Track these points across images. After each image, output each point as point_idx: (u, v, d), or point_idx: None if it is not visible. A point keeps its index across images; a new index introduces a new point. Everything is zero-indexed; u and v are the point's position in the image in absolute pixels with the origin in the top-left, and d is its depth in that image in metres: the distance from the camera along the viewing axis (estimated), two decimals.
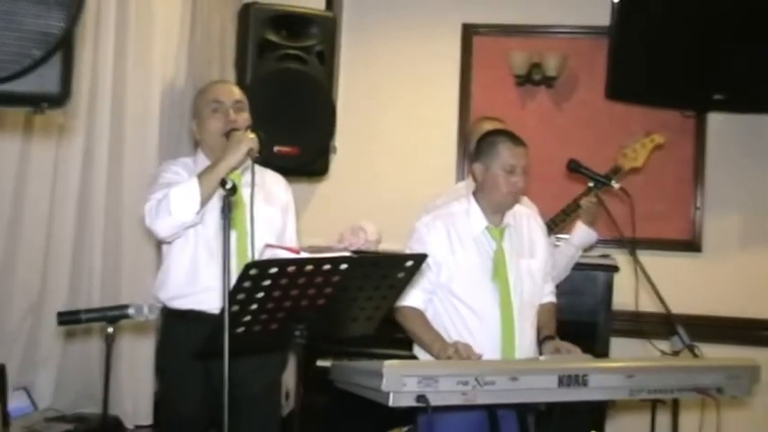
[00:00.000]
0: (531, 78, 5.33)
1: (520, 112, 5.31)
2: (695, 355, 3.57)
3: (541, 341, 3.50)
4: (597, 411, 4.59)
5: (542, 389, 2.89)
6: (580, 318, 4.68)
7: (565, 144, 5.08)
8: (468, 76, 5.49)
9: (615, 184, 4.09)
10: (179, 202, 3.11)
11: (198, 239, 3.37)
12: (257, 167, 3.45)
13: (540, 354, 3.43)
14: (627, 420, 4.84)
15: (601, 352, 4.60)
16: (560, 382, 2.89)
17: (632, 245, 4.03)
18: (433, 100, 5.54)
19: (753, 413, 4.79)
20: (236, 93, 3.51)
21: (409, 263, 2.81)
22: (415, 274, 2.87)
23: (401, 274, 2.82)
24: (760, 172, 5.22)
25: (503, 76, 5.41)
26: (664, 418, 3.51)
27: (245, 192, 3.32)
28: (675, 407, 3.44)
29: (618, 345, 4.85)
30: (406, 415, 3.41)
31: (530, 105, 5.39)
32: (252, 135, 3.27)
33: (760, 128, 5.20)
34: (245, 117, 3.45)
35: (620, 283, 4.78)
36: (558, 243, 4.38)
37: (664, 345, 3.90)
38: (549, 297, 3.69)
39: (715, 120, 5.24)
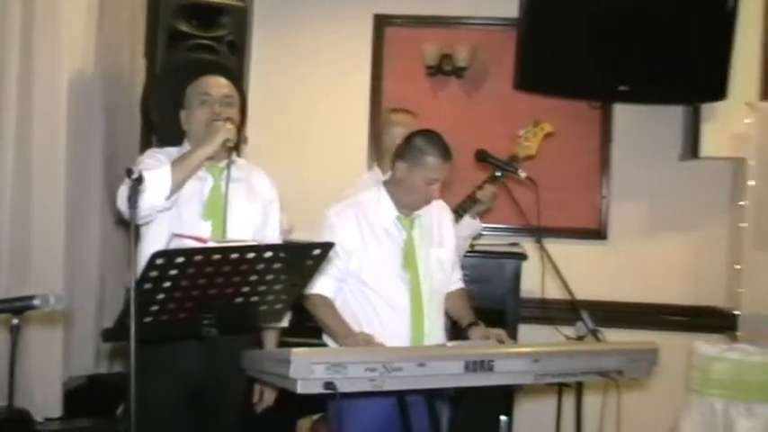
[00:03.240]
0: (443, 69, 5.39)
1: (431, 103, 5.37)
2: (598, 340, 3.66)
3: (466, 327, 3.55)
4: (505, 396, 4.69)
5: (449, 374, 2.94)
6: (489, 305, 4.75)
7: (475, 133, 5.14)
8: (379, 66, 5.54)
9: (522, 173, 4.16)
10: (150, 185, 3.08)
11: (170, 231, 3.35)
12: (246, 164, 3.54)
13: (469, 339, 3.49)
14: (534, 404, 4.94)
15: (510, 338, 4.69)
16: (467, 368, 2.94)
17: (538, 233, 4.11)
18: (346, 90, 5.57)
19: (651, 394, 4.95)
20: (226, 88, 3.52)
21: (317, 251, 2.83)
22: (323, 262, 2.90)
23: (309, 263, 2.84)
24: (663, 161, 5.37)
25: (414, 66, 5.47)
26: (569, 401, 3.60)
27: (225, 185, 3.35)
28: (579, 390, 3.54)
29: (526, 331, 4.95)
30: (321, 402, 3.44)
31: (441, 95, 5.46)
32: (230, 126, 3.30)
33: (664, 118, 5.34)
34: (232, 112, 3.46)
35: (528, 270, 4.89)
36: None
37: (569, 330, 3.99)
38: (459, 284, 3.75)
39: (621, 110, 5.36)
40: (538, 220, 4.15)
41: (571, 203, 5.34)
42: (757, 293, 4.76)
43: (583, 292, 5.02)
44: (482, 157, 4.25)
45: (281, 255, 2.77)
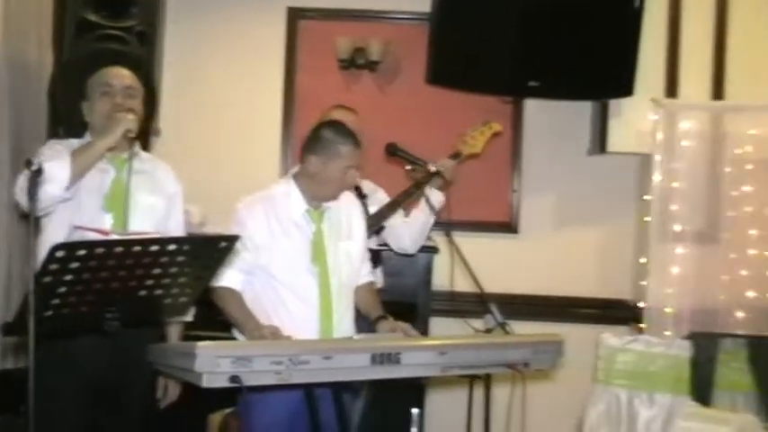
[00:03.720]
0: (356, 63, 5.39)
1: (344, 96, 5.33)
2: (506, 333, 3.71)
3: (375, 321, 3.57)
4: (416, 389, 4.71)
5: (356, 367, 2.95)
6: (401, 298, 4.79)
7: (388, 127, 5.14)
8: (293, 59, 5.51)
9: (431, 167, 4.20)
10: (50, 176, 3.01)
11: (71, 223, 3.28)
12: (150, 157, 3.56)
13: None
14: (445, 396, 4.98)
15: (421, 331, 4.72)
16: (373, 360, 2.96)
17: (447, 226, 4.14)
18: (259, 83, 5.54)
19: (561, 385, 5.03)
20: (128, 79, 3.48)
21: (222, 244, 2.81)
22: (228, 255, 2.88)
23: (214, 256, 2.82)
24: (573, 156, 5.45)
25: (327, 60, 5.46)
26: (480, 393, 3.65)
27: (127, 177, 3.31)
28: (488, 381, 3.59)
29: (437, 324, 5.00)
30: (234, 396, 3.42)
31: (354, 89, 5.46)
32: (131, 117, 3.29)
33: (573, 114, 5.42)
34: (134, 103, 3.43)
35: (439, 264, 4.93)
36: (406, 220, 4.48)
37: (480, 323, 4.04)
38: (368, 277, 3.76)
39: (531, 105, 5.43)
40: (449, 214, 4.20)
41: (482, 197, 5.39)
42: (661, 286, 4.83)
43: (494, 285, 5.08)
44: (392, 150, 4.28)
45: (186, 248, 2.75)
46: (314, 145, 3.48)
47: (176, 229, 3.55)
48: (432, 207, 4.24)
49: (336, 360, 2.89)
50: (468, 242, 5.10)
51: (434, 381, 4.69)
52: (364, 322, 3.62)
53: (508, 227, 5.46)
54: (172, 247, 2.69)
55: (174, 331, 3.57)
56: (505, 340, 3.45)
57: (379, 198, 4.39)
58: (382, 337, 3.33)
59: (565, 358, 4.55)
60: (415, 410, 4.70)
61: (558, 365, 3.69)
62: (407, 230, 4.39)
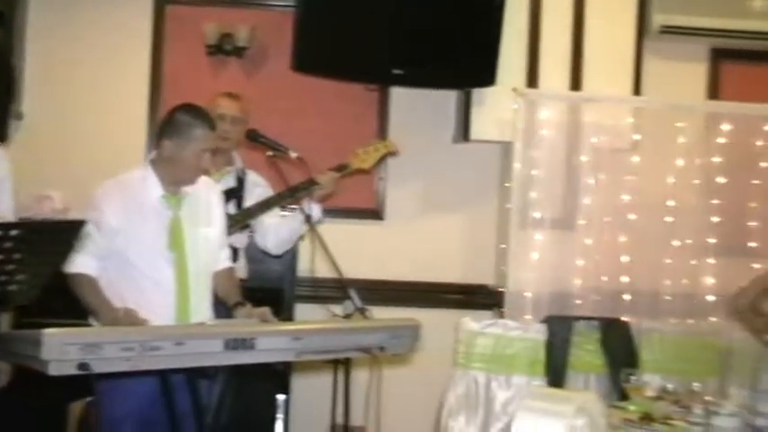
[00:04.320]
0: (223, 49, 5.35)
1: (211, 82, 5.31)
2: (365, 317, 3.76)
3: (232, 307, 3.57)
4: (281, 375, 4.72)
5: (208, 353, 2.95)
6: (266, 284, 4.80)
7: (255, 114, 5.11)
8: (159, 44, 5.42)
9: (292, 153, 4.21)
10: None
11: None
12: None
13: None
14: (311, 382, 5.00)
15: (286, 317, 4.75)
16: (227, 346, 2.97)
17: (308, 213, 4.16)
18: (125, 68, 5.42)
19: (421, 369, 5.09)
20: None
21: (71, 229, 2.77)
22: (78, 240, 2.84)
23: (61, 241, 2.78)
24: (438, 144, 5.53)
25: (195, 46, 5.39)
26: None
27: None
28: (348, 366, 3.63)
29: (303, 310, 5.02)
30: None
31: (221, 75, 5.41)
32: None
33: (438, 102, 5.49)
34: None
35: (305, 250, 4.94)
36: (284, 214, 4.50)
37: (341, 309, 4.08)
38: (226, 263, 3.76)
39: (397, 93, 5.48)
40: (309, 200, 4.23)
41: (349, 184, 5.36)
42: (521, 271, 4.96)
43: (361, 272, 5.16)
44: (253, 136, 4.28)
45: (32, 233, 2.69)
46: (168, 129, 3.46)
47: (7, 214, 3.45)
48: (307, 220, 4.25)
49: (189, 346, 2.88)
50: (335, 229, 5.14)
51: (299, 366, 4.70)
52: (223, 308, 3.62)
53: (374, 214, 5.51)
54: (15, 232, 2.63)
55: (4, 319, 3.49)
56: (360, 325, 3.49)
57: (257, 193, 4.38)
58: (236, 322, 3.33)
59: (429, 343, 4.64)
60: (280, 397, 4.74)
61: (417, 349, 3.77)
62: (274, 233, 4.40)
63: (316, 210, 4.32)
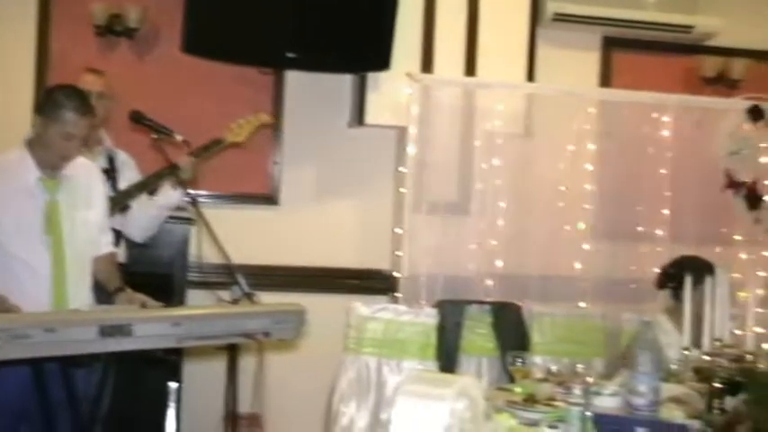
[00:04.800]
0: (113, 29, 5.21)
1: (100, 64, 5.13)
2: (254, 303, 3.71)
3: (113, 293, 3.48)
4: (172, 362, 4.63)
5: (82, 340, 2.87)
6: (157, 270, 4.72)
7: (145, 96, 5.01)
8: (46, 24, 5.25)
9: (178, 136, 4.14)
10: None
11: None
12: None
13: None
14: (204, 368, 4.92)
15: (177, 303, 4.67)
16: (102, 333, 2.89)
17: (194, 197, 4.09)
18: (10, 48, 5.25)
19: (307, 354, 5.03)
20: None
21: None
22: None
23: None
24: (333, 128, 5.49)
25: (83, 26, 5.24)
26: (241, 363, 3.62)
27: None
28: (234, 352, 3.57)
29: (194, 296, 4.93)
30: None
31: (111, 57, 5.27)
32: None
33: (334, 86, 5.45)
34: None
35: (201, 236, 4.85)
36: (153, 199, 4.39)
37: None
38: (108, 248, 3.67)
39: (292, 77, 5.42)
40: (196, 185, 4.16)
41: (243, 169, 5.35)
42: (415, 256, 4.95)
43: (256, 257, 5.12)
44: (137, 118, 4.19)
45: None
46: (42, 106, 3.38)
47: None
48: (164, 205, 4.16)
49: (61, 333, 2.80)
50: (230, 215, 5.13)
51: (192, 353, 4.63)
52: (103, 294, 3.53)
53: (269, 199, 5.44)
54: None
55: None
56: (244, 310, 3.44)
57: (128, 173, 4.28)
58: (114, 308, 3.25)
59: (324, 329, 4.63)
60: (172, 385, 4.65)
61: (306, 335, 3.73)
62: (136, 220, 4.29)
63: (176, 195, 4.23)
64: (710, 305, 3.24)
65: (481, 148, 5.07)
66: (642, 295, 5.02)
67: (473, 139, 5.08)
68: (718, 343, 3.22)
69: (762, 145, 5.17)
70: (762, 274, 5.13)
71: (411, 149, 4.95)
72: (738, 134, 5.12)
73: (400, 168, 5.13)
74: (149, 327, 3.02)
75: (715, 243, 5.11)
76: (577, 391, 2.96)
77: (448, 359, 4.42)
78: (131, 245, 4.41)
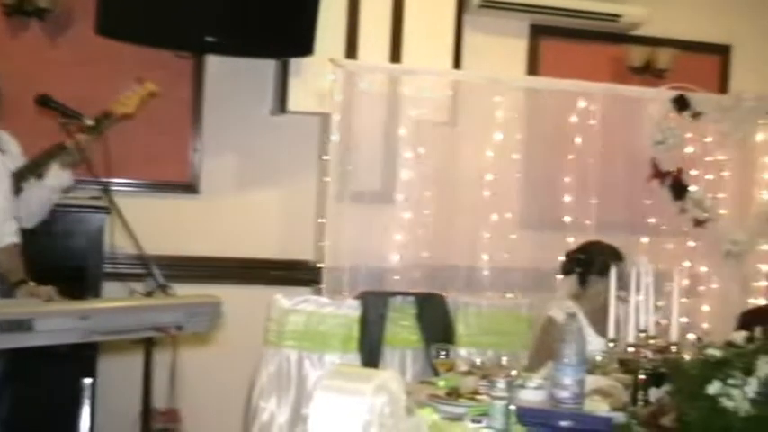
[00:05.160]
0: (23, 9, 4.98)
1: (8, 44, 4.96)
2: (168, 295, 3.56)
3: (14, 285, 3.31)
4: (87, 357, 4.47)
5: None
6: (71, 261, 4.55)
7: (56, 79, 4.80)
8: None
9: (87, 120, 3.96)
10: None
11: None
12: None
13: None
14: (120, 361, 4.74)
15: (92, 296, 4.48)
16: (0, 329, 2.72)
17: (106, 185, 3.92)
18: None
19: (220, 347, 4.92)
20: None
21: None
22: None
23: None
24: (256, 116, 5.34)
25: None
26: (159, 357, 3.52)
27: None
28: (149, 346, 3.43)
29: (110, 288, 4.73)
30: None
31: (21, 38, 5.03)
32: None
33: (256, 72, 5.30)
34: None
35: (114, 225, 4.68)
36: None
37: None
38: (11, 238, 3.49)
39: (213, 62, 5.26)
40: (108, 172, 3.97)
41: (162, 157, 5.18)
42: (338, 246, 4.85)
43: (176, 248, 4.98)
44: (43, 101, 3.99)
45: None
46: None
47: None
48: (54, 187, 3.98)
49: None
50: (147, 203, 4.96)
51: (107, 347, 4.47)
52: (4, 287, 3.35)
53: (189, 187, 5.26)
54: None
55: None
56: (155, 303, 3.30)
57: (14, 153, 4.05)
58: (12, 302, 3.08)
59: (245, 321, 4.53)
60: (86, 381, 4.49)
61: (224, 328, 3.63)
62: (25, 204, 4.06)
63: (65, 177, 4.04)
64: (635, 295, 3.18)
65: (406, 136, 5.00)
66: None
67: (398, 126, 4.99)
68: (642, 334, 3.16)
69: (687, 135, 5.17)
70: (687, 264, 5.15)
71: (334, 137, 4.87)
72: (664, 124, 5.11)
73: (323, 157, 5.02)
74: (53, 321, 2.86)
75: (642, 233, 5.12)
76: (501, 384, 2.88)
77: (371, 352, 4.33)
78: (39, 235, 4.19)
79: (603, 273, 4.07)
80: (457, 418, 2.99)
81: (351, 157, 4.89)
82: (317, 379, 4.13)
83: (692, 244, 5.27)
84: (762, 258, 5.34)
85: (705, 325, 5.14)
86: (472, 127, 5.14)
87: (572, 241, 5.09)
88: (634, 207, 5.20)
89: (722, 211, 5.25)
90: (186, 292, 3.82)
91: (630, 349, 3.14)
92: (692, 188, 5.17)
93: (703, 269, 5.21)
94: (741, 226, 5.30)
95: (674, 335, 3.11)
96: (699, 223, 5.21)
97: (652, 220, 5.27)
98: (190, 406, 4.79)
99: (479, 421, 2.92)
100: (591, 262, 4.24)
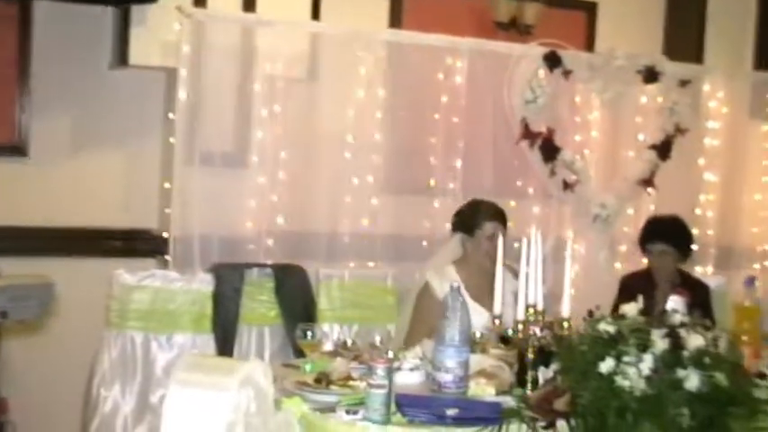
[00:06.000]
0: None
1: None
2: None
3: None
4: None
5: None
6: None
7: None
8: None
9: None
10: None
11: None
12: None
13: None
14: None
15: None
16: None
17: None
18: None
19: (54, 329, 4.46)
20: None
21: None
22: None
23: None
24: (93, 70, 4.83)
25: None
26: None
27: None
28: None
29: None
30: None
31: None
32: None
33: (92, 21, 4.78)
34: None
35: None
36: None
37: None
38: None
39: (42, 9, 4.68)
40: None
41: None
42: (187, 214, 4.45)
43: (5, 217, 4.45)
44: None
45: None
46: None
47: None
48: None
49: None
50: None
51: None
52: None
53: (16, 150, 4.69)
54: None
55: None
56: None
57: None
58: None
59: (80, 299, 4.09)
60: None
61: (51, 313, 3.18)
62: None
63: None
64: (524, 268, 2.91)
65: (261, 93, 4.62)
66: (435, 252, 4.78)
67: (252, 82, 4.61)
68: (531, 309, 2.90)
69: (558, 93, 4.97)
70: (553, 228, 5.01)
71: (182, 94, 4.44)
72: (535, 82, 4.90)
73: (169, 115, 4.59)
74: None
75: (509, 196, 4.91)
76: (381, 371, 2.56)
77: (225, 331, 4.07)
78: None
79: (471, 232, 3.88)
80: (329, 409, 2.66)
81: (200, 116, 4.47)
82: (168, 365, 3.77)
83: (559, 208, 5.11)
84: (629, 222, 5.21)
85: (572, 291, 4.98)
86: (332, 84, 4.80)
87: (437, 206, 4.91)
88: (502, 170, 5.01)
89: (591, 174, 5.08)
90: (14, 267, 3.44)
91: (520, 327, 2.88)
92: (563, 150, 4.96)
93: (570, 234, 5.03)
94: (610, 189, 5.15)
95: (565, 309, 2.87)
96: (568, 186, 5.03)
97: (519, 183, 5.08)
98: (19, 395, 4.29)
99: (355, 412, 2.60)
100: (463, 220, 4.00)
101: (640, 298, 3.32)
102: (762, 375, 3.10)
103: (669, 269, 4.26)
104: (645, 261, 4.58)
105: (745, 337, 3.32)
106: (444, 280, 3.71)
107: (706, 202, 5.49)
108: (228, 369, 2.43)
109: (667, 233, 4.30)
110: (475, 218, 3.92)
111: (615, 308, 4.04)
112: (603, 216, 5.04)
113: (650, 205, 5.27)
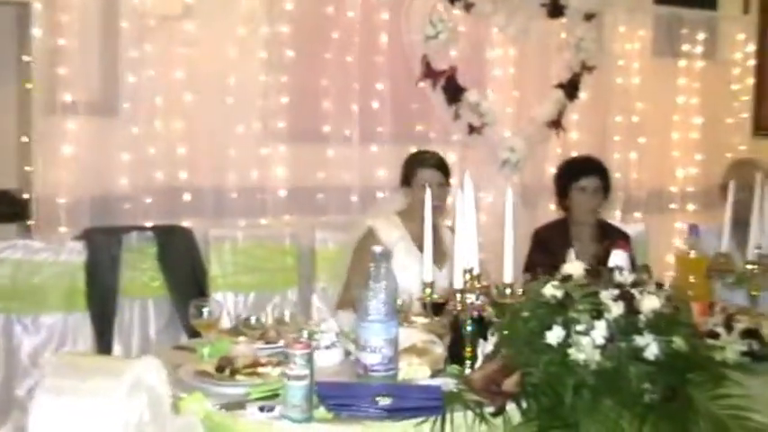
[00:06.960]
0: None
1: None
2: None
3: None
4: None
5: None
6: None
7: None
8: None
9: None
10: None
11: None
12: None
13: None
14: None
15: None
16: None
17: None
18: None
19: None
20: None
21: None
22: None
23: None
24: None
25: None
26: None
27: None
28: None
29: None
30: None
31: None
32: None
33: None
34: None
35: None
36: None
37: None
38: None
39: None
40: None
41: None
42: (51, 172, 4.02)
43: None
44: None
45: None
46: None
47: None
48: None
49: None
50: None
51: None
52: None
53: None
54: None
55: None
56: None
57: None
58: None
59: None
60: None
61: None
62: None
63: None
64: (459, 224, 2.52)
65: (129, 31, 4.22)
66: (333, 206, 4.58)
67: (119, 20, 4.20)
68: (468, 275, 2.51)
69: (461, 29, 4.61)
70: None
71: (37, 32, 4.04)
72: (435, 16, 4.54)
73: (24, 57, 4.13)
74: None
75: (410, 142, 4.59)
76: (300, 359, 2.13)
77: (103, 307, 3.68)
78: None
79: (409, 182, 3.62)
80: (237, 405, 2.22)
81: (60, 59, 4.07)
82: (35, 351, 3.35)
83: (466, 152, 4.79)
84: (539, 168, 4.93)
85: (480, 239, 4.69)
86: (210, 20, 4.37)
87: (332, 155, 4.55)
88: (401, 113, 4.72)
89: (498, 116, 4.77)
90: None
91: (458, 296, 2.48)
92: (468, 91, 4.62)
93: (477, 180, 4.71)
94: (518, 132, 4.84)
95: (507, 273, 2.48)
96: (474, 129, 4.71)
97: (420, 128, 4.78)
98: None
99: (271, 408, 2.17)
100: (403, 171, 3.70)
101: (571, 251, 3.03)
102: (713, 335, 2.81)
103: (595, 211, 3.94)
104: (554, 209, 4.28)
105: (690, 293, 3.03)
106: (391, 226, 3.51)
107: (618, 143, 5.27)
108: (113, 371, 1.96)
109: (599, 167, 3.96)
110: (411, 167, 3.62)
111: (530, 264, 3.80)
112: (513, 161, 4.72)
113: (557, 149, 5.01)
